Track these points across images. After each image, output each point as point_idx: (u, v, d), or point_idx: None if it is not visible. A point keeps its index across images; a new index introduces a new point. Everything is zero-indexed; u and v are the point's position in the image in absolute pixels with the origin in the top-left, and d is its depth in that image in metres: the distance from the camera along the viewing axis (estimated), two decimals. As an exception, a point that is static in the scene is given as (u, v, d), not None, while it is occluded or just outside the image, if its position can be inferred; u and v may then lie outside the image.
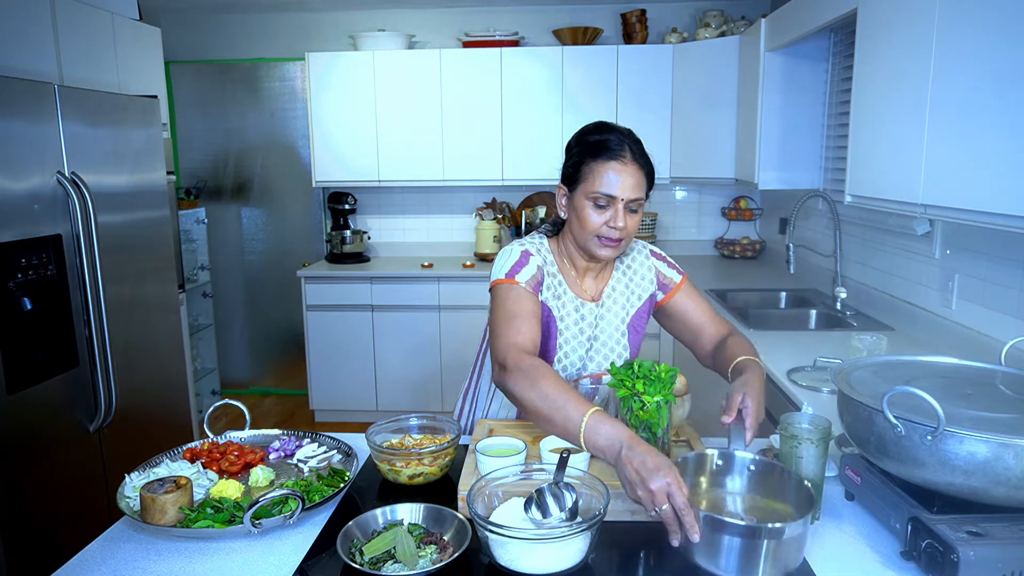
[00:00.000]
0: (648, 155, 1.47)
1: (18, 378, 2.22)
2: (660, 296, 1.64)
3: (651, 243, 4.43)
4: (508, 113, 4.25)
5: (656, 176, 1.50)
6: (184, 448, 1.48)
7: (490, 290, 1.51)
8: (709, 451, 1.24)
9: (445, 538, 1.16)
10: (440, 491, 1.35)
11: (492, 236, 4.48)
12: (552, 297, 1.53)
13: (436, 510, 1.21)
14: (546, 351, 1.53)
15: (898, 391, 1.08)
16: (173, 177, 3.63)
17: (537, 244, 1.56)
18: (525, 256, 1.50)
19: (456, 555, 1.09)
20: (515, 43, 4.36)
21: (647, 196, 1.46)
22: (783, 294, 3.44)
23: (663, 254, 1.67)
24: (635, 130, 1.51)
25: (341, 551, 1.09)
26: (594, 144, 1.44)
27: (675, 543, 1.05)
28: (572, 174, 1.48)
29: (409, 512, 1.21)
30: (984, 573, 0.97)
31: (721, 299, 3.24)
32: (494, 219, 4.56)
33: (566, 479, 1.15)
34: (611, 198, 1.42)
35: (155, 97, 3.03)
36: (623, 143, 1.43)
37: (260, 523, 1.17)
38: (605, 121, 1.52)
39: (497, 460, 1.28)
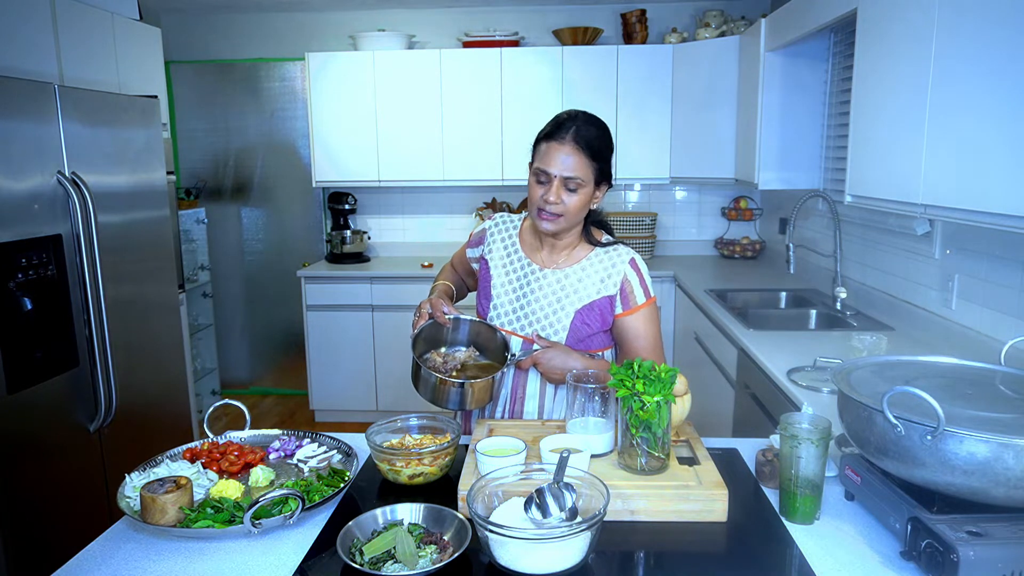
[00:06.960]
0: (598, 144, 1.56)
1: (18, 378, 2.22)
2: (620, 309, 1.64)
3: (650, 243, 4.49)
4: (508, 113, 4.24)
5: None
6: (184, 448, 1.48)
7: None
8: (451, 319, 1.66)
9: (445, 538, 1.16)
10: (440, 491, 1.35)
11: (492, 236, 4.48)
12: (495, 252, 1.75)
13: (436, 510, 1.21)
14: (486, 290, 1.75)
15: (898, 391, 1.08)
16: (173, 177, 3.63)
17: (505, 217, 1.80)
18: (483, 224, 1.82)
19: (456, 555, 1.09)
20: (515, 43, 4.35)
21: (599, 185, 1.59)
22: (783, 294, 3.44)
23: (642, 270, 1.66)
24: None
25: (341, 551, 1.09)
26: (546, 127, 1.60)
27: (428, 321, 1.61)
28: (532, 155, 1.63)
29: (409, 512, 1.21)
30: (984, 573, 0.98)
31: (721, 299, 3.24)
32: (494, 219, 4.56)
33: (566, 479, 1.16)
34: (547, 174, 1.55)
35: (155, 97, 3.03)
36: (567, 127, 1.55)
37: (260, 523, 1.17)
38: (575, 110, 1.62)
39: (497, 460, 1.28)
